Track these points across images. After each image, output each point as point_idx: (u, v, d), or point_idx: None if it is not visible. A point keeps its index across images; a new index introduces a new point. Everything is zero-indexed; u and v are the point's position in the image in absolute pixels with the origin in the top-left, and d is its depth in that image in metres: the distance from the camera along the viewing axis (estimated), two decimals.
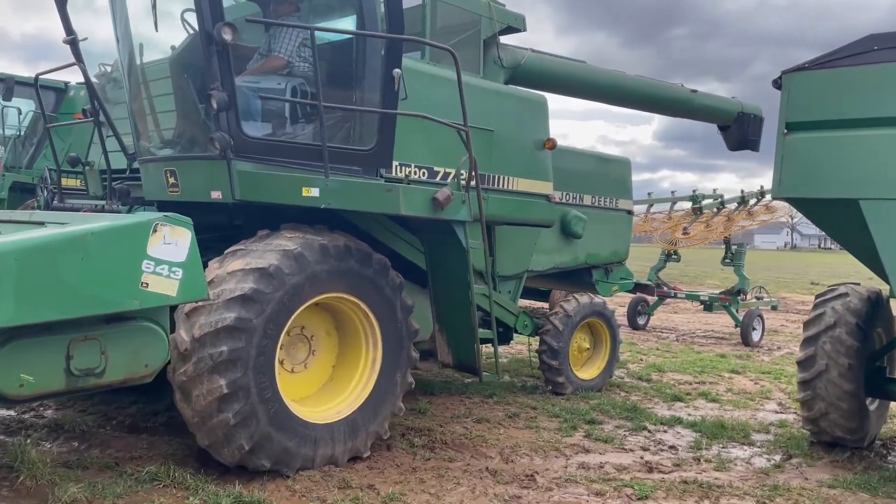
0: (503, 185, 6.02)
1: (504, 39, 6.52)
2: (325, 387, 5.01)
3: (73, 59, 5.31)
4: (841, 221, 4.75)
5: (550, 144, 6.29)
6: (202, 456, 4.63)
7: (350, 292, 4.70)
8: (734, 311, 12.05)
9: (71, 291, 2.95)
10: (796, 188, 4.78)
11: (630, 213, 8.58)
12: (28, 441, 4.54)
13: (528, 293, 8.73)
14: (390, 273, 4.92)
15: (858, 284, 5.61)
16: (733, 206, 12.57)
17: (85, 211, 5.65)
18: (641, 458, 5.31)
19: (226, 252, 4.53)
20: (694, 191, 12.77)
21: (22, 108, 12.53)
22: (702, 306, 13.25)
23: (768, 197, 12.64)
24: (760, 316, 11.89)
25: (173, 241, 3.27)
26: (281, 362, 4.60)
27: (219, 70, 4.24)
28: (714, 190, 12.93)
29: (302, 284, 4.42)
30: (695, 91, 8.05)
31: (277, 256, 4.35)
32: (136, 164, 5.36)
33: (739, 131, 8.52)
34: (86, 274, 2.99)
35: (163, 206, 5.12)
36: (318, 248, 4.51)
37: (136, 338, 3.32)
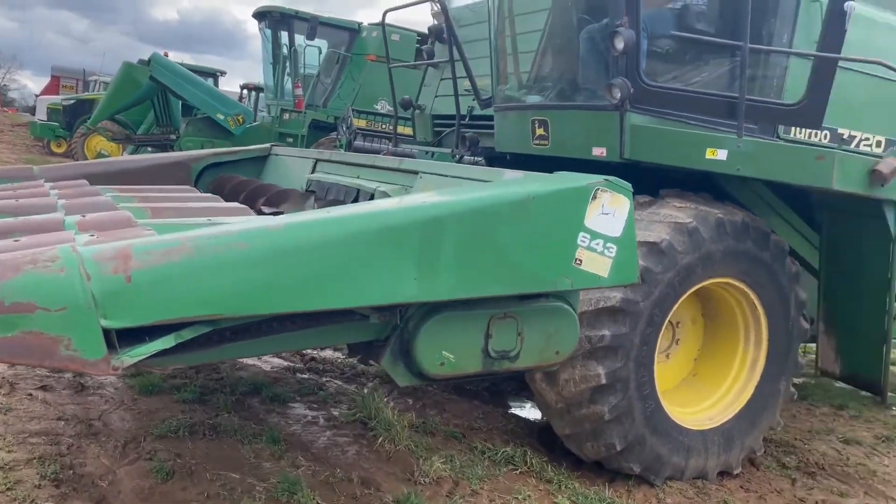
0: None
1: None
2: (685, 383, 4.30)
3: None
4: None
5: None
6: (544, 437, 4.20)
7: (741, 278, 3.90)
8: None
9: (509, 263, 2.49)
10: None
11: None
12: (376, 395, 4.39)
13: None
14: (787, 259, 4.03)
15: None
16: None
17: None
18: None
19: None
20: None
21: (322, 48, 13.13)
22: None
23: None
24: None
25: (611, 211, 2.68)
26: None
27: (626, 4, 3.55)
28: None
29: (694, 266, 3.70)
30: None
31: (669, 230, 3.65)
32: (486, 112, 4.92)
33: None
34: (524, 244, 2.51)
35: (515, 159, 4.67)
36: (715, 223, 3.75)
37: (551, 319, 2.82)
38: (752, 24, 3.70)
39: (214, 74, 21.17)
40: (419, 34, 12.67)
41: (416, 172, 3.76)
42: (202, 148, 11.15)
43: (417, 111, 6.18)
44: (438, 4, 5.51)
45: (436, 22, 6.03)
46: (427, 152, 5.82)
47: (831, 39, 3.61)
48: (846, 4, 3.53)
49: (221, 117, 11.89)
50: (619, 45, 3.50)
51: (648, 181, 3.97)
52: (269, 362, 5.19)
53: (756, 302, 3.99)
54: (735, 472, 4.07)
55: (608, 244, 2.68)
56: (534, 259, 2.56)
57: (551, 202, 2.58)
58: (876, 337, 4.17)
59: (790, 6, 3.99)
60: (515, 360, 2.79)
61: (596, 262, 2.68)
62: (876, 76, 4.03)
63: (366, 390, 4.75)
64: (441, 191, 2.71)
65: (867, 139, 4.29)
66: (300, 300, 2.15)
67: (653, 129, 3.77)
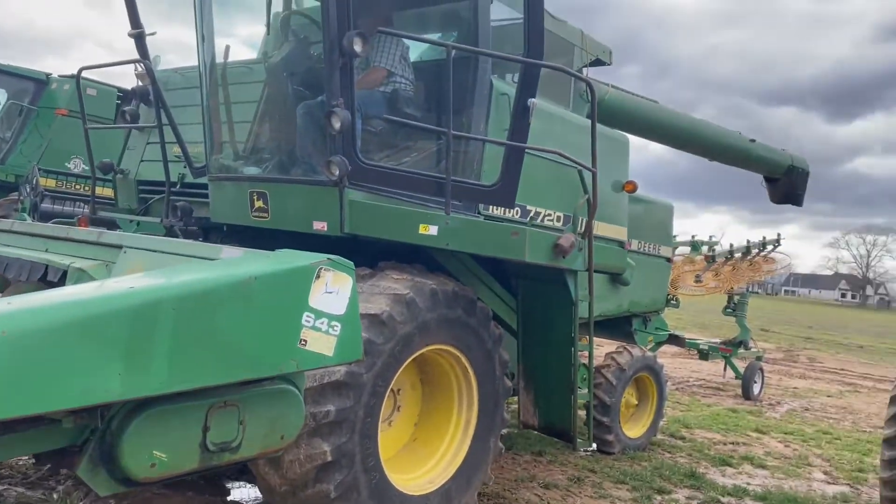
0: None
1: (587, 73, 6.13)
2: (406, 449, 4.42)
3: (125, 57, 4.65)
4: None
5: (631, 187, 5.89)
6: None
7: (454, 344, 4.16)
8: (734, 362, 11.90)
9: (230, 349, 2.34)
10: None
11: (669, 260, 8.27)
12: (69, 501, 3.79)
13: None
14: (491, 323, 4.41)
15: None
16: (738, 255, 12.44)
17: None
18: None
19: None
20: (693, 236, 12.55)
21: (0, 99, 11.49)
22: (697, 354, 12.99)
23: (769, 247, 12.65)
24: (761, 369, 11.80)
25: (335, 290, 2.68)
26: None
27: (340, 86, 3.68)
28: (710, 237, 12.71)
29: (413, 334, 3.87)
30: (753, 140, 7.83)
31: (388, 302, 3.78)
32: (201, 180, 4.68)
33: (788, 184, 8.31)
34: (246, 328, 2.39)
35: (233, 230, 4.51)
36: (429, 293, 3.97)
37: (276, 404, 2.71)
38: (454, 113, 4.07)
39: None
40: (120, 90, 11.77)
41: (119, 246, 3.42)
42: None
43: (120, 175, 5.67)
44: (143, 66, 5.20)
45: (140, 83, 5.67)
46: (132, 221, 5.35)
47: (519, 129, 4.11)
48: (529, 101, 4.06)
49: None
50: (336, 124, 3.60)
51: (366, 251, 4.10)
52: None
53: (467, 365, 4.28)
54: None
55: (333, 322, 2.68)
56: (257, 343, 2.45)
57: (274, 283, 2.51)
58: (564, 389, 4.72)
59: (484, 98, 4.48)
60: (237, 450, 2.62)
61: (321, 341, 2.65)
62: (554, 161, 4.68)
63: (56, 496, 4.11)
64: (151, 272, 2.49)
65: (549, 215, 4.94)
66: None
67: (371, 205, 3.91)
